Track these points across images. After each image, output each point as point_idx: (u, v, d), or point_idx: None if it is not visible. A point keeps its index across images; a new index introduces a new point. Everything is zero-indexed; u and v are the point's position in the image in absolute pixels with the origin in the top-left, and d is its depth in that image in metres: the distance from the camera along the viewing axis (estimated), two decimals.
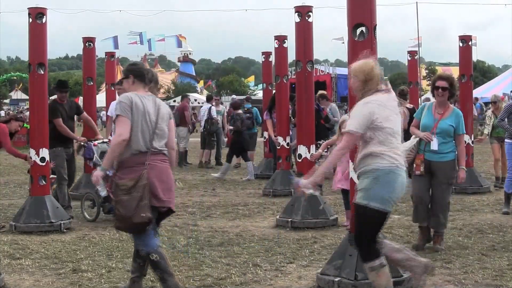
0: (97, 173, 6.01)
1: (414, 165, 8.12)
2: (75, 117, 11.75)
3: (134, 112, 5.95)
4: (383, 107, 5.60)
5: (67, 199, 10.92)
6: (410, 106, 13.70)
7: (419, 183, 8.13)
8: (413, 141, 8.19)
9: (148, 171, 5.90)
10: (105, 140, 10.66)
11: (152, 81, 6.29)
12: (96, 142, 10.45)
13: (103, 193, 6.79)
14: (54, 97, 11.63)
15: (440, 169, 8.05)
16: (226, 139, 21.11)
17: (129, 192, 5.84)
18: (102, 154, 10.11)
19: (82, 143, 10.60)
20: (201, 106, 24.02)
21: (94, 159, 10.21)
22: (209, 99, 21.38)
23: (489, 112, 14.61)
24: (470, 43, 13.92)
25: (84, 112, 11.80)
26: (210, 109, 19.88)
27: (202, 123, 20.02)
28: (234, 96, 35.64)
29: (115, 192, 5.95)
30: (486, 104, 33.44)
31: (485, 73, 79.43)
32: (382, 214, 5.56)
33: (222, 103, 24.83)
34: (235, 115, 17.51)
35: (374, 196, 5.51)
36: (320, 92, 15.09)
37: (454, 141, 8.15)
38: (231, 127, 17.69)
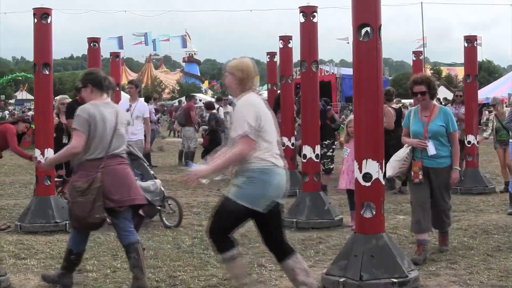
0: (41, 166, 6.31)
1: (412, 172, 7.72)
2: None
3: (92, 123, 6.28)
4: (261, 108, 5.62)
5: None
6: (396, 106, 13.71)
7: (419, 192, 7.72)
8: (405, 150, 7.82)
9: (103, 174, 6.24)
10: None
11: (109, 88, 6.62)
12: None
13: None
14: (60, 97, 11.61)
15: (440, 174, 7.70)
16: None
17: (84, 194, 6.20)
18: None
19: None
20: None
21: None
22: (218, 100, 21.55)
23: (492, 116, 14.49)
24: (475, 43, 13.88)
25: None
26: (217, 110, 20.09)
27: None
28: (230, 96, 35.71)
29: (71, 194, 6.32)
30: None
31: (491, 73, 79.26)
32: (248, 211, 5.58)
33: (230, 104, 24.92)
34: (210, 114, 17.62)
35: (246, 196, 5.53)
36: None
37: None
38: (205, 127, 17.82)
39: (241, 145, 5.49)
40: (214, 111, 17.83)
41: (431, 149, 7.64)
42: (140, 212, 7.53)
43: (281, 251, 5.94)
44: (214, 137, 17.13)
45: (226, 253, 5.64)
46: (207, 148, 17.14)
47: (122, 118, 6.59)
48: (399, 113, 13.29)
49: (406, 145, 7.88)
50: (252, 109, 5.52)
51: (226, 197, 5.61)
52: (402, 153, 7.83)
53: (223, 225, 5.67)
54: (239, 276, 5.81)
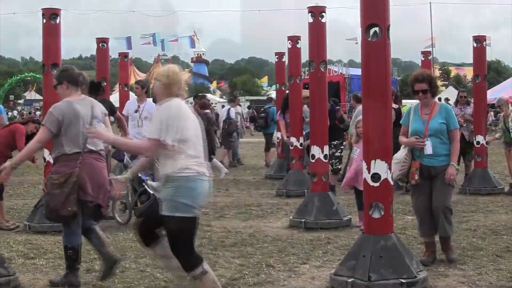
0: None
1: (409, 173, 7.55)
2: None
3: (65, 122, 6.51)
4: (184, 116, 5.69)
5: None
6: (395, 106, 13.68)
7: (419, 194, 7.57)
8: (403, 151, 7.61)
9: (81, 167, 6.46)
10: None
11: (84, 84, 6.87)
12: None
13: None
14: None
15: (441, 173, 7.43)
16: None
17: (60, 186, 6.42)
18: (132, 155, 10.09)
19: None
20: (223, 107, 24.33)
21: (124, 161, 10.10)
22: (231, 101, 21.72)
23: (501, 116, 14.45)
24: (484, 43, 13.85)
25: (118, 112, 11.70)
26: (229, 110, 20.18)
27: (221, 124, 20.21)
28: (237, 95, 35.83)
29: (48, 186, 6.56)
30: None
31: (500, 73, 79.02)
32: (190, 220, 5.62)
33: (239, 105, 25.05)
34: (202, 114, 17.64)
35: (178, 206, 5.56)
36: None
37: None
38: None
39: (149, 144, 5.64)
40: (207, 111, 17.84)
41: (428, 148, 7.44)
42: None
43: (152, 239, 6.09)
44: (207, 137, 17.13)
45: (195, 270, 5.66)
46: None
47: (98, 112, 6.79)
48: (398, 113, 13.26)
49: (403, 146, 7.66)
50: (171, 116, 5.60)
51: (165, 216, 5.64)
52: (400, 154, 7.60)
53: (180, 244, 5.69)
54: None
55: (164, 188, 5.67)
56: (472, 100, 14.46)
